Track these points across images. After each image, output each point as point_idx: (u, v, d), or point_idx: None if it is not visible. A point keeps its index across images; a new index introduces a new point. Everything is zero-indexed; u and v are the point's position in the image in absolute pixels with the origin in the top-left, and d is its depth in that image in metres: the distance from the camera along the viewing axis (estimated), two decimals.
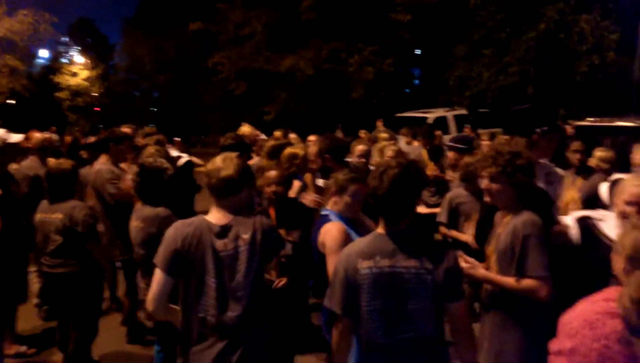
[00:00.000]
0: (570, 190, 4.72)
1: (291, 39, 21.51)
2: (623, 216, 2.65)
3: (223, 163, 2.55)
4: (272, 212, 3.77)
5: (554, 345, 1.89)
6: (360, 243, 2.35)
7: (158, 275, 2.52)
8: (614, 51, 15.98)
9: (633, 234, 1.88)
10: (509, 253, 2.63)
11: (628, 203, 2.62)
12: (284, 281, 3.67)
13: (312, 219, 3.75)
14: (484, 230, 3.12)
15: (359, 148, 4.90)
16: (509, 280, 2.62)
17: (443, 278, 2.19)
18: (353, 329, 2.34)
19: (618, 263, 1.89)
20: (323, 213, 3.18)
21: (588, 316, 1.82)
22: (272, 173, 3.79)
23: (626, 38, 15.73)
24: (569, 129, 7.39)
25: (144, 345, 4.78)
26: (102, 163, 5.17)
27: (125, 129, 6.74)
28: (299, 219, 3.73)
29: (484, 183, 2.78)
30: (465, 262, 2.75)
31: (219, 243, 2.48)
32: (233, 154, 2.65)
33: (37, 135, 5.67)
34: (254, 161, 5.78)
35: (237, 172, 2.54)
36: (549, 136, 3.41)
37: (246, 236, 2.50)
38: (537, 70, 16.75)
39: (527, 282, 2.57)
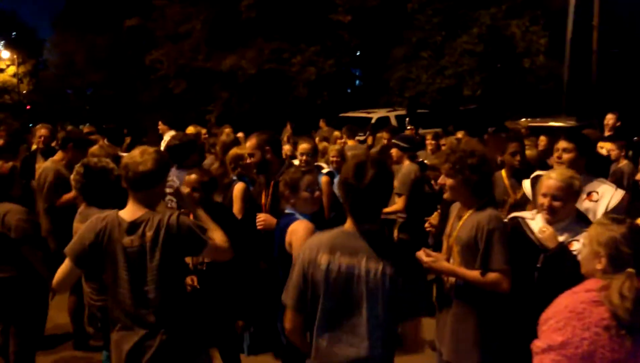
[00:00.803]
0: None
1: (232, 37, 21.26)
2: (540, 208, 2.81)
3: (141, 157, 2.58)
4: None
5: (539, 343, 1.91)
6: (324, 236, 2.26)
7: (66, 264, 2.64)
8: (543, 54, 16.84)
9: (607, 234, 1.99)
10: (472, 247, 2.71)
11: (543, 195, 2.78)
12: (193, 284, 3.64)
13: (235, 224, 3.70)
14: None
15: (303, 146, 4.96)
16: (474, 274, 2.70)
17: (402, 286, 2.10)
18: (303, 327, 2.29)
19: (596, 263, 1.98)
20: (287, 211, 3.12)
21: (574, 307, 1.87)
22: (192, 177, 3.66)
23: (554, 42, 16.63)
24: (523, 130, 7.74)
25: (93, 351, 4.62)
26: (52, 162, 4.96)
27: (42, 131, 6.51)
28: (220, 224, 3.17)
29: (440, 178, 2.90)
30: (428, 256, 2.80)
31: (127, 240, 2.56)
32: (151, 148, 2.69)
33: None
34: (208, 160, 5.76)
35: (155, 166, 2.57)
36: (498, 136, 3.58)
37: (150, 233, 2.54)
38: (478, 72, 17.37)
39: (491, 275, 2.65)
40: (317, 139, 7.51)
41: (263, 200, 3.94)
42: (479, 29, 17.08)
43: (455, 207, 3.00)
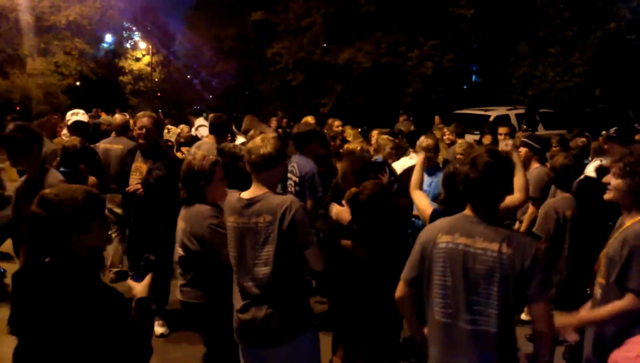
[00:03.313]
0: None
1: (350, 31, 21.45)
2: None
3: (262, 142, 2.80)
4: None
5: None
6: (445, 220, 2.42)
7: None
8: None
9: None
10: (616, 262, 2.56)
11: None
12: None
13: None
14: None
15: (429, 141, 4.84)
16: (605, 312, 2.57)
17: (521, 268, 2.16)
18: (412, 301, 2.47)
19: None
20: None
21: None
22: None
23: None
24: None
25: None
26: None
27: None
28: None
29: (606, 177, 2.76)
30: (560, 318, 2.70)
31: (243, 218, 2.82)
32: (271, 135, 2.98)
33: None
34: None
35: (274, 149, 2.78)
36: (619, 138, 3.32)
37: (266, 213, 2.78)
38: (605, 71, 16.08)
39: (624, 301, 2.50)
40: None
41: None
42: (617, 24, 15.71)
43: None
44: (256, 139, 2.87)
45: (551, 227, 3.88)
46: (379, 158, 5.34)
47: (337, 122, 8.05)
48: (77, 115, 5.83)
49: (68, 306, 1.88)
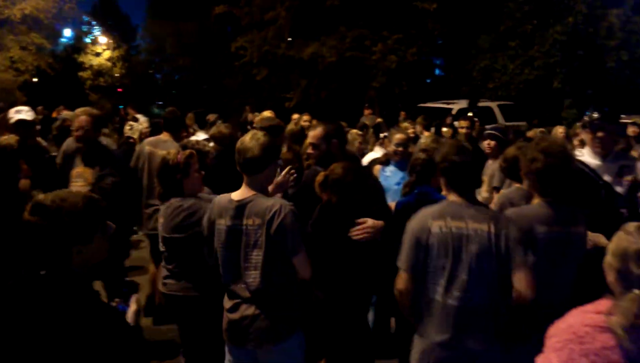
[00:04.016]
0: None
1: (315, 25, 21.40)
2: None
3: (250, 143, 2.73)
4: None
5: (540, 360, 1.78)
6: (431, 208, 2.59)
7: None
8: None
9: (622, 244, 1.74)
10: None
11: None
12: None
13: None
14: None
15: (398, 136, 4.77)
16: None
17: (506, 243, 2.41)
18: (412, 286, 2.56)
19: (610, 275, 1.78)
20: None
21: (577, 329, 1.70)
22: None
23: None
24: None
25: None
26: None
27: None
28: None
29: None
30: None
31: (231, 220, 2.78)
32: (261, 133, 2.81)
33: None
34: None
35: (260, 152, 2.72)
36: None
37: (254, 216, 2.72)
38: (564, 64, 16.51)
39: None
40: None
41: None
42: (574, 18, 16.14)
43: None
44: (245, 139, 2.78)
45: None
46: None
47: (305, 117, 8.05)
48: (20, 113, 5.25)
49: (65, 326, 1.67)
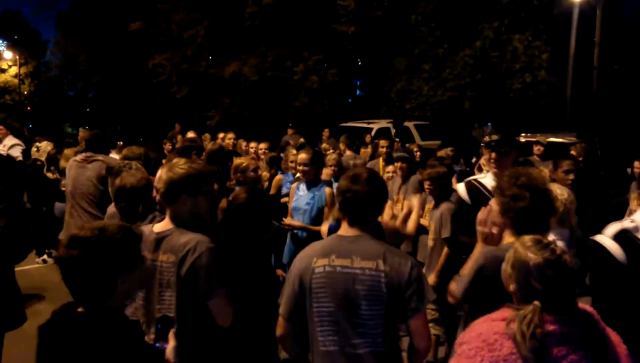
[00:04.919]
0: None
1: (235, 44, 21.34)
2: None
3: (166, 173, 2.50)
4: None
5: None
6: (317, 244, 2.37)
7: None
8: (544, 69, 16.92)
9: (521, 258, 1.83)
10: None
11: None
12: None
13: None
14: None
15: (302, 156, 4.82)
16: None
17: (398, 285, 2.14)
18: (296, 335, 2.34)
19: (509, 285, 1.88)
20: None
21: (487, 336, 1.78)
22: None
23: (556, 58, 16.72)
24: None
25: None
26: None
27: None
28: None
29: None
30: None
31: (147, 253, 2.53)
32: (182, 161, 2.59)
33: None
34: None
35: (172, 182, 2.47)
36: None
37: (168, 252, 2.48)
38: (473, 86, 17.46)
39: None
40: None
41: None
42: (482, 42, 17.15)
43: None
44: (163, 168, 2.54)
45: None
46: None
47: (230, 135, 8.05)
48: None
49: None
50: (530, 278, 1.79)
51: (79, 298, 1.75)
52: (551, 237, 2.56)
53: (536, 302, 1.76)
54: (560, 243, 2.65)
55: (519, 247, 1.87)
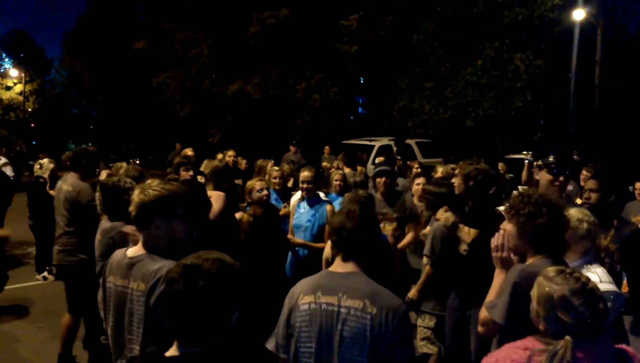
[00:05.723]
0: None
1: (239, 63, 21.53)
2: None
3: (137, 196, 2.32)
4: None
5: None
6: (308, 279, 2.24)
7: None
8: (545, 87, 17.00)
9: (545, 291, 1.79)
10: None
11: None
12: None
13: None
14: None
15: (304, 174, 4.87)
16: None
17: (385, 329, 1.99)
18: None
19: (538, 322, 1.83)
20: None
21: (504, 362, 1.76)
22: None
23: (558, 76, 16.80)
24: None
25: None
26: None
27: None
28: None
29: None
30: None
31: (118, 278, 2.43)
32: (155, 183, 2.39)
33: None
34: None
35: (137, 208, 2.29)
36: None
37: (138, 280, 2.32)
38: (476, 105, 17.51)
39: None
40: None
41: None
42: (483, 61, 17.27)
43: None
44: (136, 190, 2.35)
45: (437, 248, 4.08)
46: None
47: (230, 152, 8.08)
48: None
49: None
50: (557, 311, 1.73)
51: (189, 337, 1.54)
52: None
53: (568, 337, 1.68)
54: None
55: (542, 280, 1.82)
